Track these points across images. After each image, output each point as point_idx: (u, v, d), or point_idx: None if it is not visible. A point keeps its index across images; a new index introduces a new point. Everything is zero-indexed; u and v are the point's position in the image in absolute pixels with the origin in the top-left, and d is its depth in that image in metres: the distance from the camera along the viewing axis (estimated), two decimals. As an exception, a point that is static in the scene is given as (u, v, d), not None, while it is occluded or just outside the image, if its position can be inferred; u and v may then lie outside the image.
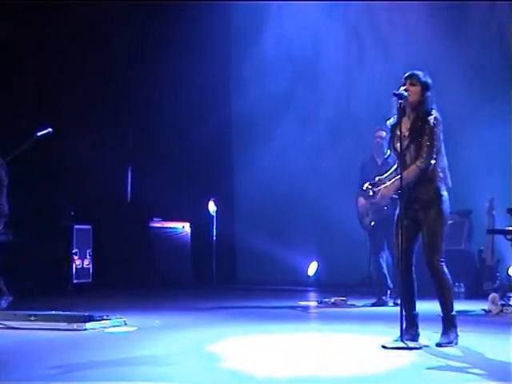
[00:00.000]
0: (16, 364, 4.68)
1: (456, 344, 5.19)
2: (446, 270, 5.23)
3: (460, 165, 9.36)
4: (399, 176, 5.20)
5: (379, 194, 5.46)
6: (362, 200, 8.37)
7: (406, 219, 5.19)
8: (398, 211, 5.35)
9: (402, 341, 5.10)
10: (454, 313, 5.27)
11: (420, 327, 5.37)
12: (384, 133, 8.04)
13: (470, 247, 9.81)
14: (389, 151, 5.77)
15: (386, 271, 8.30)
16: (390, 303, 8.16)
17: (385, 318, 6.90)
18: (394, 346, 5.08)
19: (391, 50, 11.28)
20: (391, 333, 5.40)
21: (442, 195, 5.22)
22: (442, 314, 5.26)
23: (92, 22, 10.81)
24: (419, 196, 5.20)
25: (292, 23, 11.91)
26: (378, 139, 8.29)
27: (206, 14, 11.50)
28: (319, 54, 11.82)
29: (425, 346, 5.17)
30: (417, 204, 5.19)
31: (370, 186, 5.53)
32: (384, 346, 5.11)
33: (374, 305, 8.25)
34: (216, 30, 11.94)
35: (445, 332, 5.22)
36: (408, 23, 11.21)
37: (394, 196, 5.38)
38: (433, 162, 5.16)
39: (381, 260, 8.33)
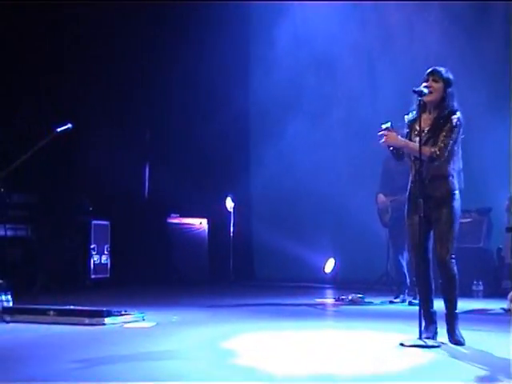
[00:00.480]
0: (35, 359, 4.71)
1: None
2: (455, 268, 5.20)
3: (479, 163, 9.36)
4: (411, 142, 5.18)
5: (385, 135, 5.29)
6: (381, 197, 8.37)
7: (416, 216, 5.16)
8: (406, 208, 5.33)
9: (420, 339, 5.07)
10: (457, 311, 5.25)
11: (438, 325, 5.34)
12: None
13: (489, 245, 9.76)
14: None
15: (405, 269, 8.28)
16: (407, 301, 8.15)
17: (403, 316, 6.89)
18: (412, 343, 5.05)
19: (405, 48, 11.23)
20: (409, 331, 5.39)
21: (454, 193, 5.20)
22: (446, 311, 5.23)
23: (106, 20, 10.86)
24: (432, 193, 5.17)
25: (310, 19, 11.88)
26: None
27: (222, 6, 11.50)
28: (335, 49, 11.76)
29: (443, 344, 5.14)
30: (429, 202, 5.15)
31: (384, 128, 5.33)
32: (402, 344, 5.09)
33: (391, 302, 8.24)
34: (233, 24, 11.93)
35: (451, 329, 5.19)
36: (423, 22, 11.16)
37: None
38: (444, 154, 5.10)
39: (400, 258, 8.30)
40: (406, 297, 8.25)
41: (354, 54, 11.74)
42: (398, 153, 5.35)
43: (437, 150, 5.13)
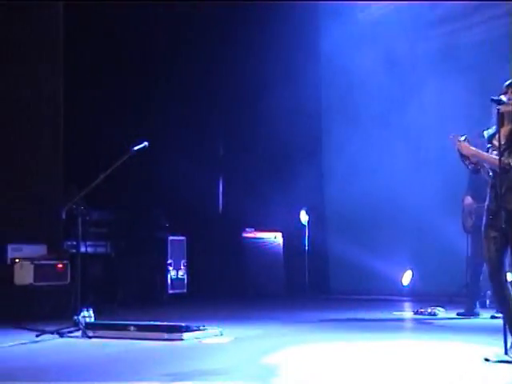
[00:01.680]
0: (116, 374, 4.78)
1: None
2: None
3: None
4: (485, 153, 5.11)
5: (458, 144, 5.24)
6: (468, 199, 8.08)
7: (493, 230, 5.02)
8: (484, 221, 5.20)
9: (506, 354, 4.92)
10: None
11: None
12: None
13: None
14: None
15: (480, 281, 8.03)
16: (481, 314, 7.92)
17: (486, 330, 6.70)
18: (498, 359, 4.90)
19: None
20: (494, 345, 5.23)
21: None
22: None
23: (183, 40, 11.07)
24: (506, 206, 5.02)
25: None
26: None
27: (290, 17, 11.54)
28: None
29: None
30: (504, 215, 5.00)
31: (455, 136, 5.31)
32: (487, 359, 4.95)
33: (459, 314, 7.98)
34: (304, 38, 11.93)
35: None
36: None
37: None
38: None
39: (478, 267, 8.06)
40: (478, 309, 8.01)
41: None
42: (472, 166, 5.25)
43: (511, 160, 5.00)
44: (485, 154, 5.15)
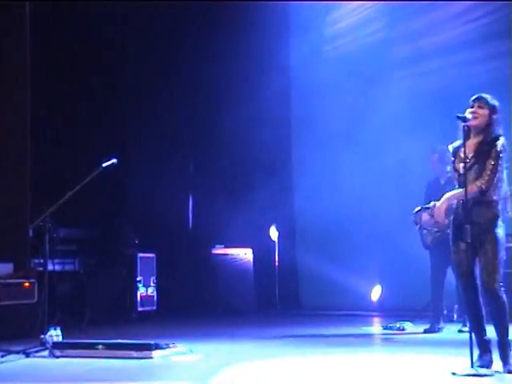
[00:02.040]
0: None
1: None
2: (504, 295, 5.11)
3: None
4: (450, 192, 5.21)
5: (434, 211, 5.38)
6: (426, 215, 8.18)
7: (462, 243, 5.10)
8: (451, 235, 5.28)
9: (472, 367, 4.97)
10: (509, 338, 5.14)
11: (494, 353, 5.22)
12: (436, 155, 8.19)
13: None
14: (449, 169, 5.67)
15: (442, 296, 8.10)
16: (447, 328, 7.99)
17: (454, 344, 6.76)
18: (465, 372, 4.95)
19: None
20: (461, 359, 5.28)
21: (497, 220, 5.16)
22: (497, 339, 5.13)
23: (152, 50, 11.08)
24: (475, 219, 5.11)
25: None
26: (432, 164, 8.38)
27: (259, 32, 11.61)
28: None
29: (497, 373, 5.02)
30: (473, 228, 5.08)
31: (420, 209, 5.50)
32: (454, 373, 4.99)
33: (426, 331, 8.01)
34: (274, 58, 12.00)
35: (504, 357, 5.09)
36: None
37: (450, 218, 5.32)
38: (492, 184, 5.08)
39: (439, 283, 8.10)
40: (442, 324, 8.08)
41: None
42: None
43: (484, 182, 5.10)
44: (455, 192, 5.22)
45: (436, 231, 8.01)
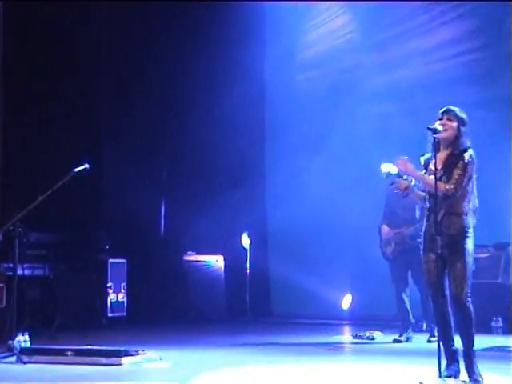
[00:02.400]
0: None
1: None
2: (471, 306, 5.16)
3: (497, 197, 9.29)
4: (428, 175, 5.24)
5: (398, 162, 5.38)
6: (385, 228, 8.33)
7: (433, 254, 5.15)
8: (422, 245, 5.34)
9: (440, 377, 5.01)
10: (475, 348, 5.20)
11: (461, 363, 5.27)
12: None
13: (507, 280, 9.64)
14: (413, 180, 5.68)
15: (407, 305, 8.14)
16: (414, 338, 8.04)
17: (422, 354, 6.81)
18: (433, 382, 4.99)
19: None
20: (429, 369, 5.32)
21: (467, 231, 5.20)
22: (463, 349, 5.18)
23: (127, 53, 11.04)
24: (445, 231, 5.16)
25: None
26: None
27: (234, 41, 11.64)
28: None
29: (463, 382, 5.07)
30: (443, 239, 5.14)
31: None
32: (422, 383, 5.02)
33: (395, 341, 8.05)
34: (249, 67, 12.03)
35: (469, 367, 5.14)
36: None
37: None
38: (458, 191, 5.13)
39: (403, 294, 8.13)
40: (412, 333, 8.14)
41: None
42: (400, 190, 5.39)
43: (451, 186, 5.16)
44: (427, 176, 5.27)
45: (395, 243, 8.11)
